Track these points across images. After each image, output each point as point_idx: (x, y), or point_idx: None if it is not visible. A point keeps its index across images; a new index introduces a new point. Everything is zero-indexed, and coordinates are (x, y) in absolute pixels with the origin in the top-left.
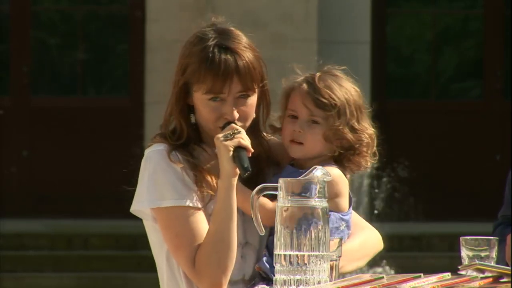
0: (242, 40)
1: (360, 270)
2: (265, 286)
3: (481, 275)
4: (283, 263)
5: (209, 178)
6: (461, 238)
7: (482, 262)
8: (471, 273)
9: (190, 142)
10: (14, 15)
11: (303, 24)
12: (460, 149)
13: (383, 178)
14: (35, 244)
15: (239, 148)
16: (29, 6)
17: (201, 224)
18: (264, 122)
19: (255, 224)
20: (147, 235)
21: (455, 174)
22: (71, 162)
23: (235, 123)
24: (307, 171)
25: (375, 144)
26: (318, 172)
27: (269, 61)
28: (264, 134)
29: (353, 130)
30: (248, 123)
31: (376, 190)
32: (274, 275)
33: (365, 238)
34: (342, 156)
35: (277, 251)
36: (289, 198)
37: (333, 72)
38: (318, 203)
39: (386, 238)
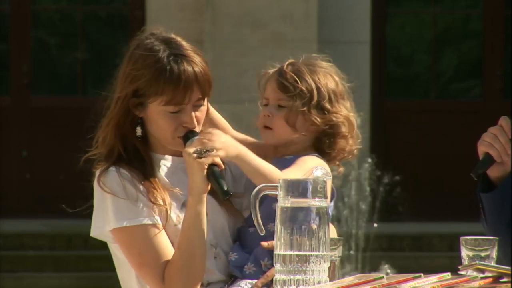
0: (189, 46)
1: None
2: (247, 281)
3: (481, 275)
4: (283, 263)
5: (161, 191)
6: (461, 238)
7: (482, 262)
8: (471, 273)
9: (136, 157)
10: (14, 15)
11: (303, 24)
12: (460, 149)
13: (383, 178)
14: (35, 244)
15: (211, 166)
16: (29, 6)
17: (162, 239)
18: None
19: (256, 224)
20: (112, 257)
21: (455, 174)
22: (71, 162)
23: (196, 132)
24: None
25: (354, 127)
26: (318, 172)
27: (269, 61)
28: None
29: (321, 112)
30: (201, 126)
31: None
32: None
33: None
34: (322, 143)
35: (277, 251)
36: (289, 198)
37: (311, 61)
38: (318, 203)
39: (386, 238)
